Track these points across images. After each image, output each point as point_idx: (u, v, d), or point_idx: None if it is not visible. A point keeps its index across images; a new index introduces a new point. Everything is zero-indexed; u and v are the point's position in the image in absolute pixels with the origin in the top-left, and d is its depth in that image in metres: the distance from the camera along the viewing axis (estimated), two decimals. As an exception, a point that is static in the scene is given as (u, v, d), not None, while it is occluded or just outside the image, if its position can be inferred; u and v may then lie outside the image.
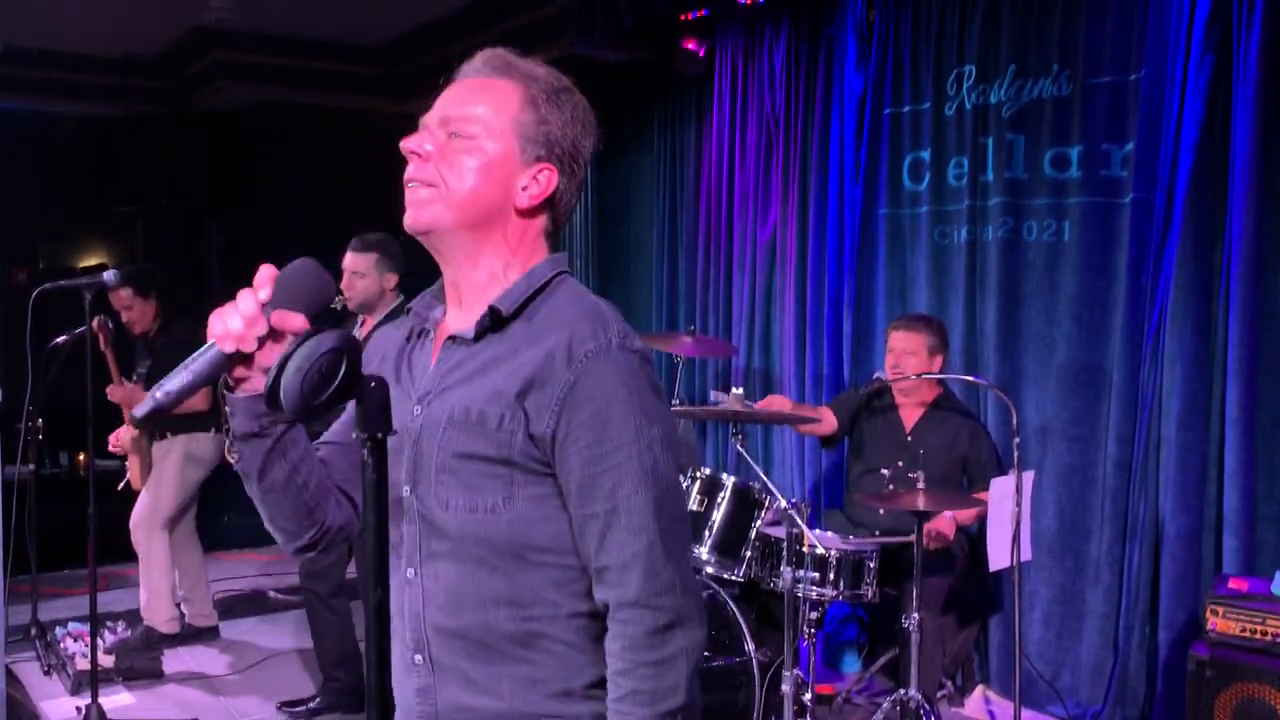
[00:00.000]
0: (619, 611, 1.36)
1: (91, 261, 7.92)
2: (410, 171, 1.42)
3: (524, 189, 1.43)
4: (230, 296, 1.28)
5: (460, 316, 1.47)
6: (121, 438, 4.88)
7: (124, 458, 4.93)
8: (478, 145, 1.41)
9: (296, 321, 1.27)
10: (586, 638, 1.41)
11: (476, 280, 1.45)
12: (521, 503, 1.38)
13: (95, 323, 4.21)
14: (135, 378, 4.84)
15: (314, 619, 4.24)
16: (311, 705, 4.25)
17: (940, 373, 4.05)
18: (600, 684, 1.40)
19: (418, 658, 1.45)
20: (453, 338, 1.45)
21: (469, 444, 1.38)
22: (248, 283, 1.29)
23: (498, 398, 1.37)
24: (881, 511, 4.04)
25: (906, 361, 4.01)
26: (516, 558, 1.39)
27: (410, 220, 1.42)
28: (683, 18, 5.57)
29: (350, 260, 4.06)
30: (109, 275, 3.87)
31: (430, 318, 1.52)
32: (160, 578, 4.82)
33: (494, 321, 1.41)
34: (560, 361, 1.35)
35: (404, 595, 1.45)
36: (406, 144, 1.41)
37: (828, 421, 4.29)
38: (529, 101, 1.43)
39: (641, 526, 1.35)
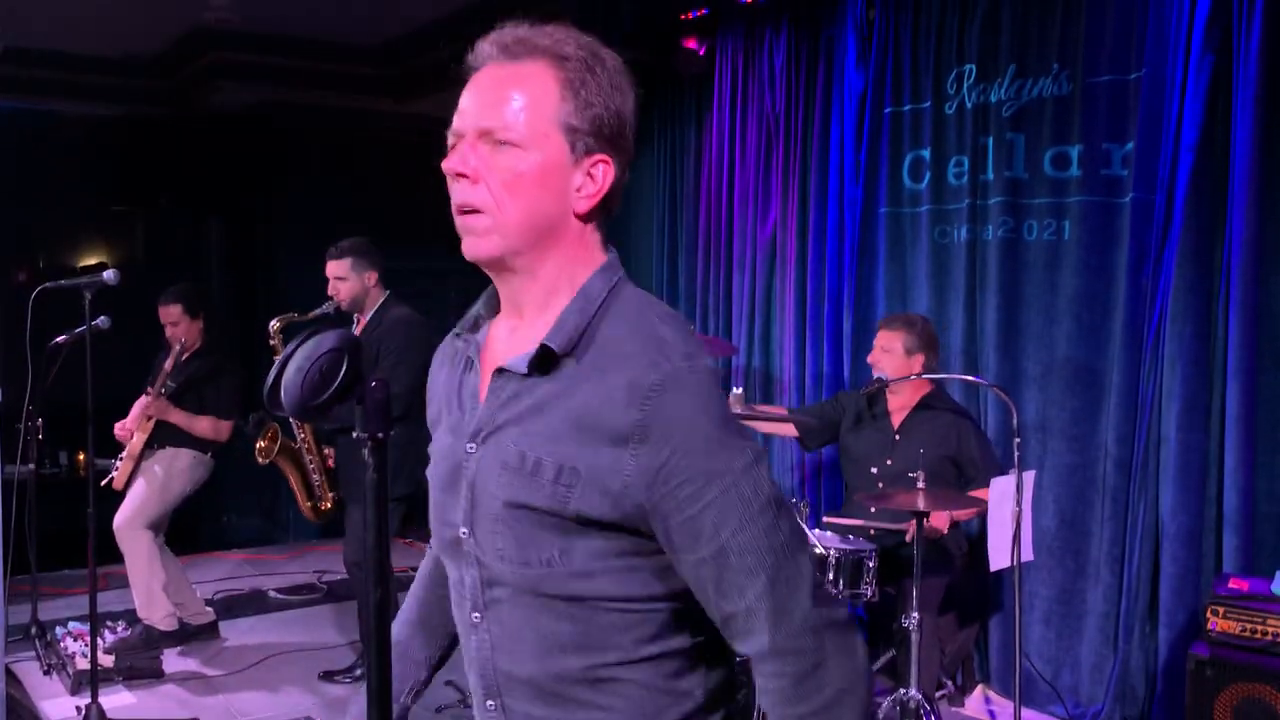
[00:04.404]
0: (758, 664, 1.25)
1: (91, 261, 7.91)
2: (458, 196, 1.29)
3: (579, 190, 1.30)
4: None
5: (518, 334, 1.35)
6: (134, 443, 4.86)
7: (119, 454, 4.92)
8: (525, 154, 1.26)
9: None
10: (662, 677, 1.31)
11: (535, 295, 1.33)
12: (579, 556, 1.26)
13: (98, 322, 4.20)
14: (163, 391, 4.85)
15: (362, 595, 4.51)
16: (357, 674, 4.58)
17: (923, 372, 4.04)
18: None
19: (490, 703, 1.36)
20: (502, 370, 1.32)
21: (520, 494, 1.27)
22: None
23: (555, 443, 1.25)
24: (873, 509, 4.04)
25: (882, 360, 4.06)
26: (579, 605, 1.28)
27: (469, 252, 1.31)
28: (683, 17, 5.58)
29: (330, 268, 4.43)
30: (109, 275, 3.87)
31: (474, 341, 1.40)
32: (152, 575, 4.81)
33: (545, 360, 1.28)
34: (623, 402, 1.21)
35: (471, 639, 1.37)
36: (449, 165, 1.28)
37: (789, 429, 4.41)
38: (566, 85, 1.28)
39: (757, 564, 1.22)
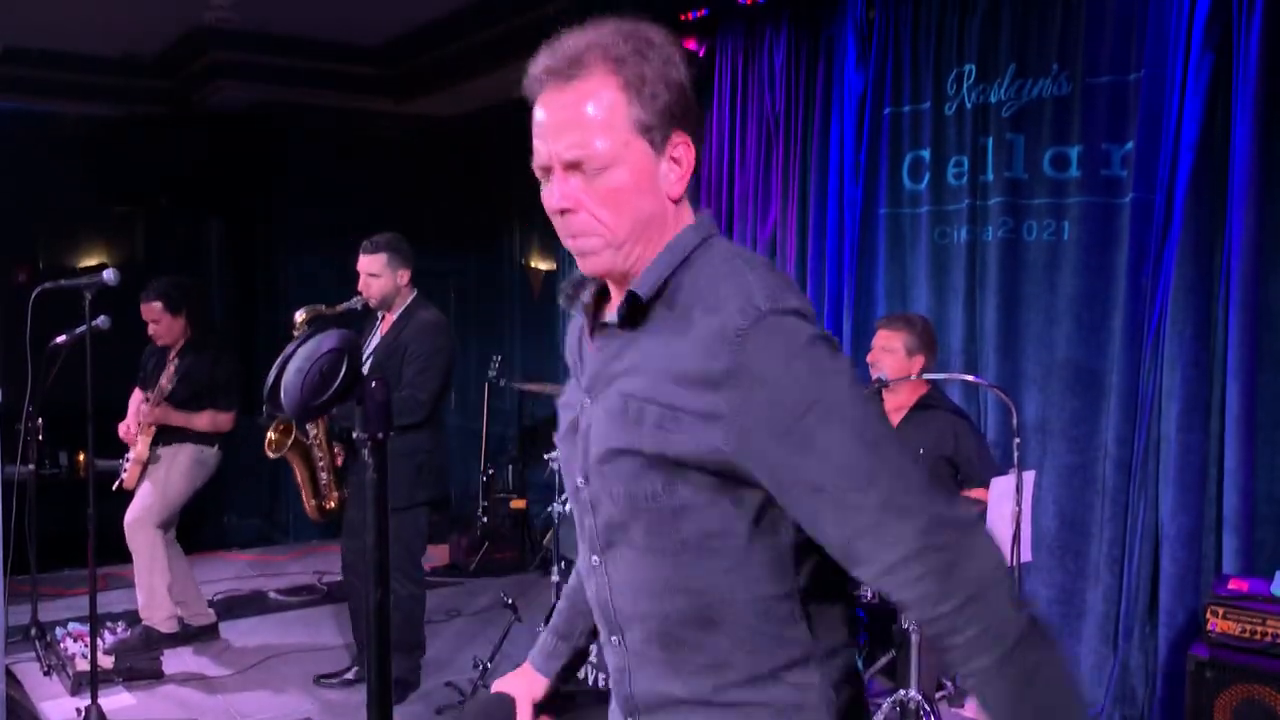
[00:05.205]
0: (895, 576, 1.23)
1: (91, 261, 7.92)
2: (566, 227, 1.35)
3: (667, 177, 1.36)
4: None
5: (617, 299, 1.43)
6: (139, 448, 4.86)
7: (125, 454, 4.92)
8: (615, 170, 1.32)
9: None
10: (769, 620, 1.34)
11: (638, 271, 1.41)
12: (681, 495, 1.31)
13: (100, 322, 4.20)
14: (153, 390, 4.84)
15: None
16: (349, 676, 4.54)
17: (924, 372, 4.03)
18: (792, 666, 1.35)
19: (614, 639, 1.46)
20: (605, 325, 1.43)
21: (627, 439, 1.33)
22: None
23: (655, 392, 1.31)
24: None
25: (883, 359, 4.02)
26: (683, 544, 1.33)
27: (589, 270, 1.39)
28: (683, 17, 5.57)
29: (364, 263, 4.31)
30: (109, 275, 3.87)
31: (579, 301, 1.49)
32: (157, 576, 4.82)
33: (633, 307, 1.36)
34: (713, 349, 1.26)
35: (591, 581, 1.47)
36: (552, 205, 1.35)
37: None
38: (629, 87, 1.32)
39: (869, 483, 1.22)
